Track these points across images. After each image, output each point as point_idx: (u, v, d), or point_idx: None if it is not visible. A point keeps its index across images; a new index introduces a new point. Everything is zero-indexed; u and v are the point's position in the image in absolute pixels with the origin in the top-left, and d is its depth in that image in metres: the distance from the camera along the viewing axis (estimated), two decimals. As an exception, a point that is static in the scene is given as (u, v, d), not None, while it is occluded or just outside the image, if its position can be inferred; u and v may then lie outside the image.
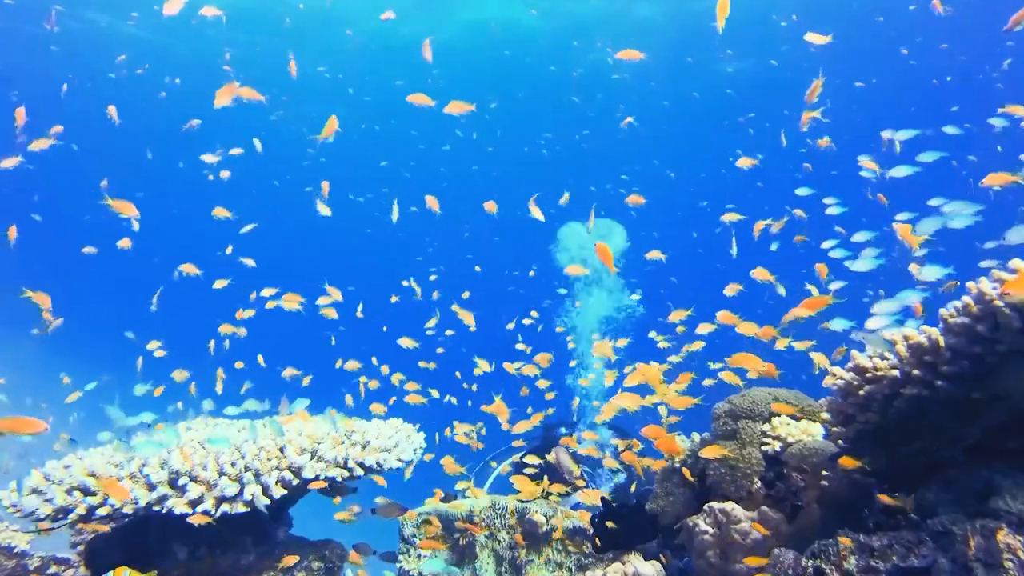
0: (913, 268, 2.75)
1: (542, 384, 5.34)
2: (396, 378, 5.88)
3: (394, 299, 7.48)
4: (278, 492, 3.02)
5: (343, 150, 18.35)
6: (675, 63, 14.72)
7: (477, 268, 12.76)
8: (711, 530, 2.61)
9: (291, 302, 5.03)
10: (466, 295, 8.10)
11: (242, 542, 3.31)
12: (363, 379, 5.44)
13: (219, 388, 5.21)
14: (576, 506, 3.77)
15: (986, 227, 3.15)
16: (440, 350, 7.82)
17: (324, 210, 5.25)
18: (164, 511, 2.86)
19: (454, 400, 6.19)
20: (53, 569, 3.57)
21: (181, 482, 2.93)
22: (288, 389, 4.99)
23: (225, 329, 5.85)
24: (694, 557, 2.68)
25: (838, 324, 2.89)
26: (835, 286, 2.91)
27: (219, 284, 6.27)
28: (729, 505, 2.61)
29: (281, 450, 3.14)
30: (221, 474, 2.99)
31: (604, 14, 13.68)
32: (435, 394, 5.82)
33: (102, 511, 2.84)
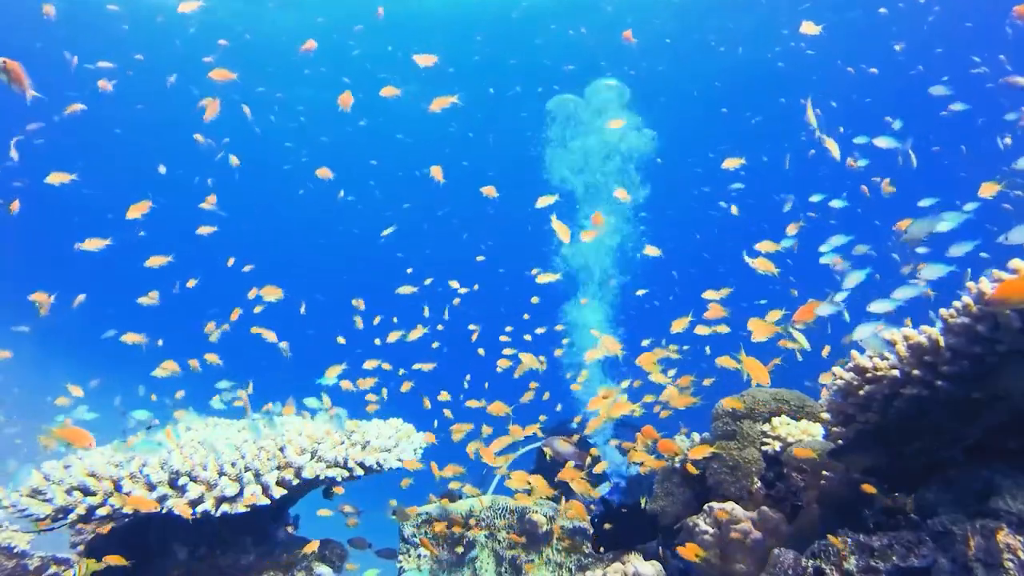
0: (920, 267, 2.76)
1: (533, 386, 5.32)
2: (400, 373, 5.87)
3: (426, 312, 7.42)
4: (278, 492, 3.02)
5: (335, 148, 18.32)
6: (671, 53, 14.71)
7: (480, 258, 12.76)
8: (711, 530, 2.62)
9: (272, 295, 4.99)
10: (465, 289, 8.08)
11: (242, 542, 3.31)
12: (362, 381, 5.44)
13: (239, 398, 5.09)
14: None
15: (986, 223, 3.16)
16: (435, 344, 7.80)
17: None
18: (164, 511, 2.86)
19: (447, 395, 6.18)
20: (53, 569, 3.56)
21: (181, 482, 2.93)
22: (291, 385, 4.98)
23: (210, 327, 5.81)
24: (694, 557, 2.68)
25: (826, 309, 2.89)
26: (839, 297, 2.92)
27: (190, 284, 6.23)
28: (729, 505, 2.62)
29: (281, 450, 3.14)
30: (221, 474, 2.99)
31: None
32: (446, 396, 5.80)
33: (102, 511, 2.84)
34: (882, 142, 4.18)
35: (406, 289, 6.42)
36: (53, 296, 4.36)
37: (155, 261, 4.86)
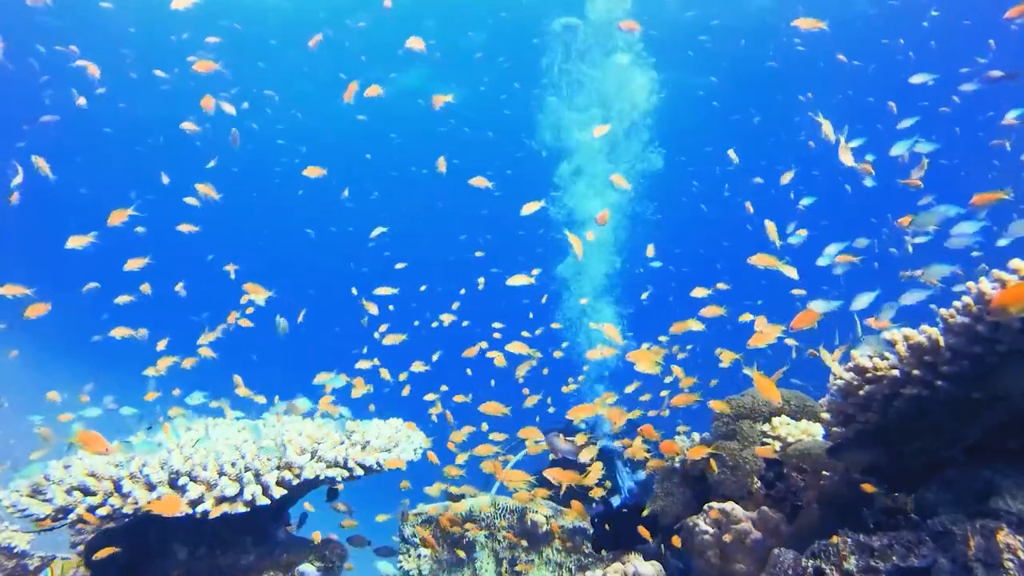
0: (919, 274, 2.76)
1: (526, 392, 5.28)
2: (402, 378, 5.85)
3: (446, 321, 7.30)
4: (278, 492, 3.02)
5: (330, 147, 18.27)
6: (668, 49, 14.70)
7: (479, 253, 12.70)
8: (711, 530, 2.62)
9: (257, 293, 4.90)
10: (483, 281, 7.99)
11: (242, 542, 3.31)
12: (359, 382, 5.42)
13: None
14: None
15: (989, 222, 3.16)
16: (436, 356, 7.78)
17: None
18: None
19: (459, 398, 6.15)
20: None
21: (181, 482, 2.93)
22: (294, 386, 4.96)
23: (206, 339, 5.73)
24: (694, 557, 2.69)
25: (820, 306, 2.89)
26: (835, 304, 2.91)
27: (178, 287, 6.19)
28: (729, 505, 2.62)
29: (281, 450, 3.14)
30: (221, 474, 2.99)
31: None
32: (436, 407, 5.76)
33: (102, 511, 2.84)
34: (899, 148, 4.15)
35: (384, 291, 6.33)
36: (41, 300, 4.33)
37: (133, 264, 4.81)
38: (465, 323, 7.50)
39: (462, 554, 3.45)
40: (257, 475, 3.02)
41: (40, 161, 4.86)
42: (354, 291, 5.94)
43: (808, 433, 2.74)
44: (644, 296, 6.92)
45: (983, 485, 1.97)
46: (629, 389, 4.53)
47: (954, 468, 2.10)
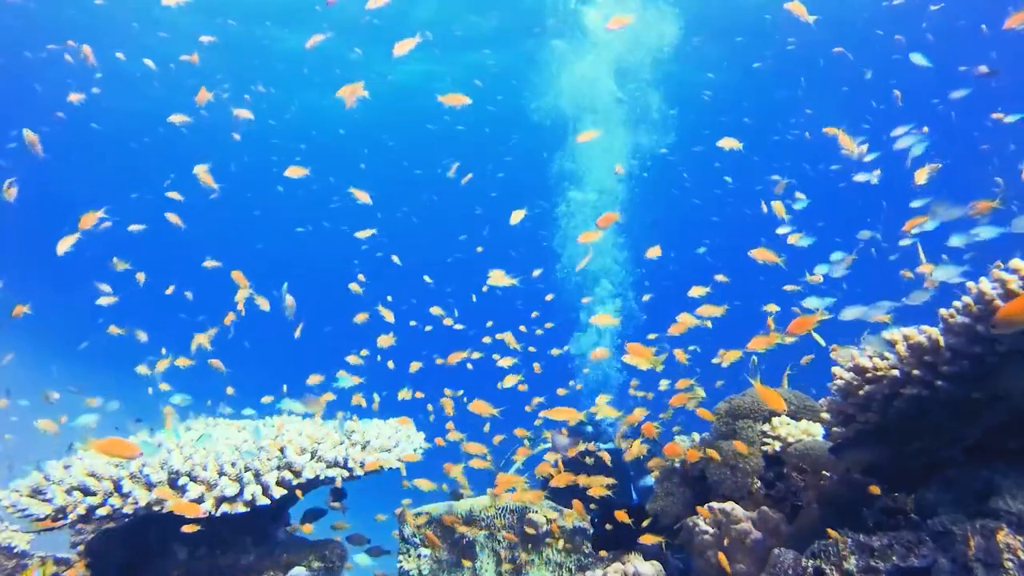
0: (926, 269, 2.76)
1: (523, 388, 5.25)
2: (403, 396, 5.84)
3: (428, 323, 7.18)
4: (278, 492, 3.02)
5: (323, 146, 18.25)
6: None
7: (479, 249, 12.63)
8: (711, 530, 2.62)
9: (245, 286, 4.84)
10: (463, 293, 8.00)
11: (242, 542, 3.31)
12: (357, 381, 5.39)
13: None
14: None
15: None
16: (439, 361, 7.75)
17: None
18: (164, 511, 2.85)
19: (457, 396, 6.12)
20: (53, 569, 3.56)
21: (181, 482, 2.93)
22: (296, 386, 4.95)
23: (200, 339, 5.69)
24: (694, 557, 2.69)
25: (815, 303, 2.88)
26: (827, 302, 2.91)
27: (169, 290, 6.17)
28: (729, 505, 2.62)
29: (282, 450, 3.14)
30: (221, 474, 2.98)
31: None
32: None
33: (102, 511, 2.84)
34: (903, 142, 4.15)
35: (356, 288, 6.27)
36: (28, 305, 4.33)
37: (118, 266, 4.79)
38: (460, 326, 7.49)
39: (468, 563, 3.45)
40: (257, 475, 3.02)
41: (31, 136, 4.83)
42: (381, 310, 5.92)
43: (808, 433, 2.74)
44: (646, 297, 6.92)
45: (983, 485, 1.97)
46: (632, 391, 4.53)
47: (954, 468, 2.10)
